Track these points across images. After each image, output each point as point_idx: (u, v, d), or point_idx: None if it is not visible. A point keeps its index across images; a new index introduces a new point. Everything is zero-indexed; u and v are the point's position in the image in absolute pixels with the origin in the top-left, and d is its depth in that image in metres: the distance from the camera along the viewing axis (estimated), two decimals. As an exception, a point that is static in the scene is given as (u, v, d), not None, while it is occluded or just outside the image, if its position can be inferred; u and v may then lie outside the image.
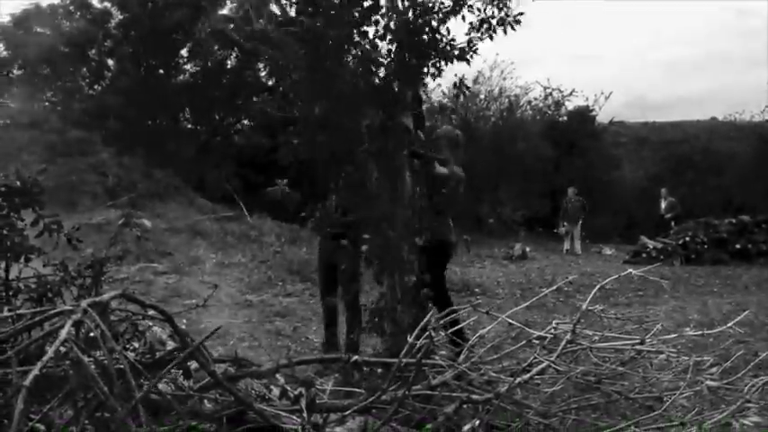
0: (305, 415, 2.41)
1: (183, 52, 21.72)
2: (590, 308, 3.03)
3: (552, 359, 2.73)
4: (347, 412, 2.94)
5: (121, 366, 1.88)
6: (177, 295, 8.20)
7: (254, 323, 7.25)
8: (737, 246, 14.41)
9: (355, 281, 5.05)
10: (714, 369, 2.91)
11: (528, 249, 15.99)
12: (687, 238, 14.51)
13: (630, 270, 3.03)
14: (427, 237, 4.17)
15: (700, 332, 3.13)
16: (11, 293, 2.70)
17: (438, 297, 4.43)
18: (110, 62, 21.30)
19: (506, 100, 23.82)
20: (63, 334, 1.64)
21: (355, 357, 3.19)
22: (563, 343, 2.80)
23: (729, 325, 3.00)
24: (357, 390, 3.22)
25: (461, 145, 5.46)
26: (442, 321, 3.64)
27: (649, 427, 2.54)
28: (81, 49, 20.12)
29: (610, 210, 22.40)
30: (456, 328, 3.72)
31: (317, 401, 3.09)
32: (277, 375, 3.36)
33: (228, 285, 9.09)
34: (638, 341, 2.83)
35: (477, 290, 9.86)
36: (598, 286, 3.00)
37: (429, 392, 3.10)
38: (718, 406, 2.81)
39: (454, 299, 5.51)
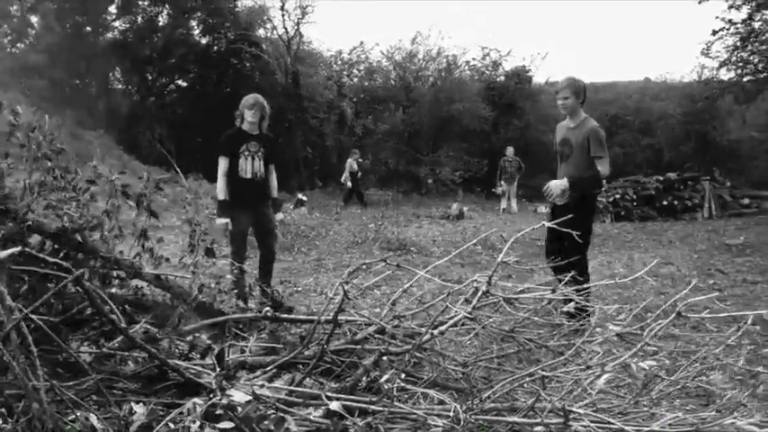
0: (218, 368, 2.41)
1: (112, 9, 20.91)
2: (507, 261, 3.10)
3: (468, 310, 2.80)
4: (269, 368, 2.97)
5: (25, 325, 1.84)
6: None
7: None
8: (664, 202, 14.94)
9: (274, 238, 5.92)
10: (623, 317, 3.04)
11: (465, 209, 16.23)
12: (617, 196, 14.93)
13: (543, 222, 3.11)
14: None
15: (611, 281, 3.25)
16: None
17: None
18: (33, 19, 20.33)
19: (444, 60, 23.84)
20: (-46, 292, 1.60)
21: (267, 310, 3.21)
22: (478, 295, 2.87)
23: (639, 274, 3.12)
24: (279, 346, 3.25)
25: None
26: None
27: (558, 372, 2.64)
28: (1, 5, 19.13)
29: (546, 169, 22.76)
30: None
31: (240, 358, 3.11)
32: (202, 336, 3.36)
33: (161, 248, 8.90)
34: (549, 291, 2.93)
35: (412, 249, 9.94)
36: (511, 239, 3.07)
37: (351, 346, 3.15)
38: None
39: (391, 258, 5.53)
